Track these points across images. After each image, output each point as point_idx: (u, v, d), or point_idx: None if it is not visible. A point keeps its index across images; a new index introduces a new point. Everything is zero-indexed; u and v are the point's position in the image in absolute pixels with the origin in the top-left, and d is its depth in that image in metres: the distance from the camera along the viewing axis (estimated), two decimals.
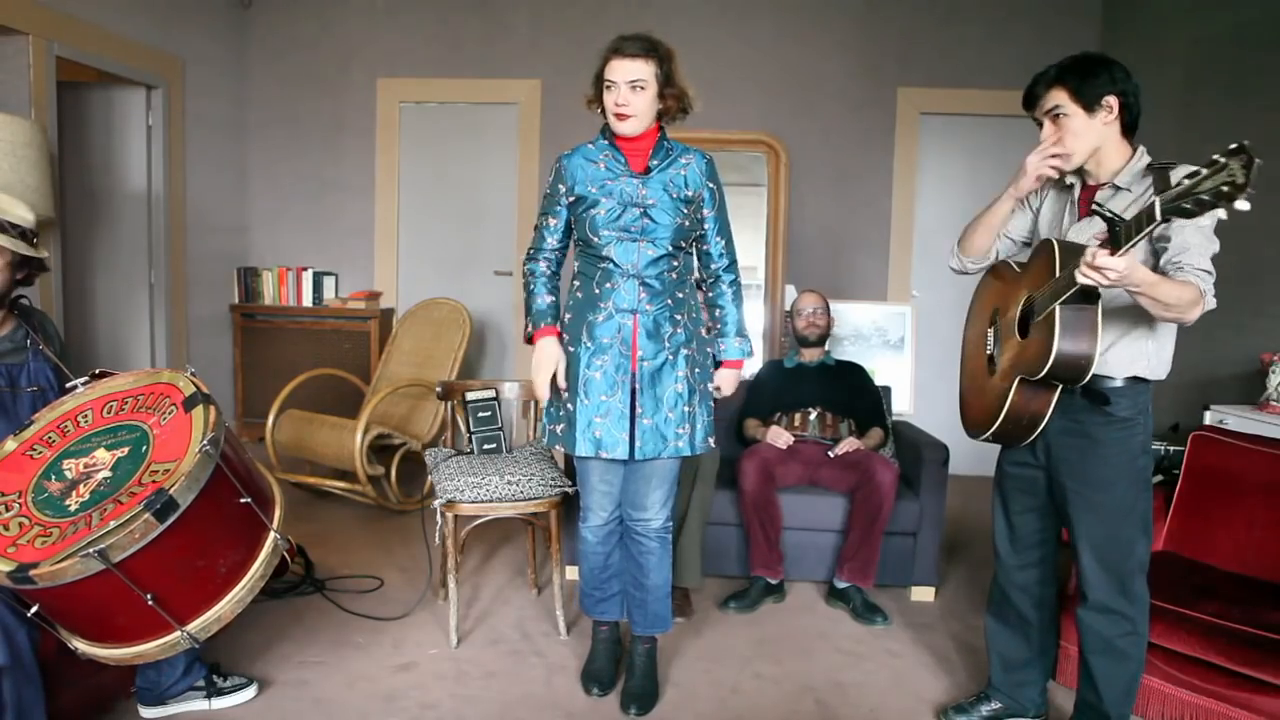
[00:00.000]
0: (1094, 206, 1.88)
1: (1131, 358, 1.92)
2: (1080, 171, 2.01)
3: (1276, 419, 3.11)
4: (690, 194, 2.23)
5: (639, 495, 2.30)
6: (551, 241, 2.30)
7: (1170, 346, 1.95)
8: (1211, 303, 1.79)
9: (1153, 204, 1.59)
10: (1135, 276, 1.69)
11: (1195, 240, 1.78)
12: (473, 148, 5.25)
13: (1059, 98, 1.94)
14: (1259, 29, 3.74)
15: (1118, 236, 1.68)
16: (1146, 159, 1.93)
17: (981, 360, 2.17)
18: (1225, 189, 1.48)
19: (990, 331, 2.15)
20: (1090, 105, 1.92)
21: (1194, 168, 1.79)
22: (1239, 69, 3.83)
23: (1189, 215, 1.55)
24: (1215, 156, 1.50)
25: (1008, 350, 2.03)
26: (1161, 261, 1.81)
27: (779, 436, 3.21)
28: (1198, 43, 4.06)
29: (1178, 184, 1.56)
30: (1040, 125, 2.01)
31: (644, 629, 2.41)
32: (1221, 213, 1.52)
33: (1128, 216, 1.84)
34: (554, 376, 2.24)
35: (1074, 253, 1.81)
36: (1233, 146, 1.49)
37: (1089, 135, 1.94)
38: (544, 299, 2.30)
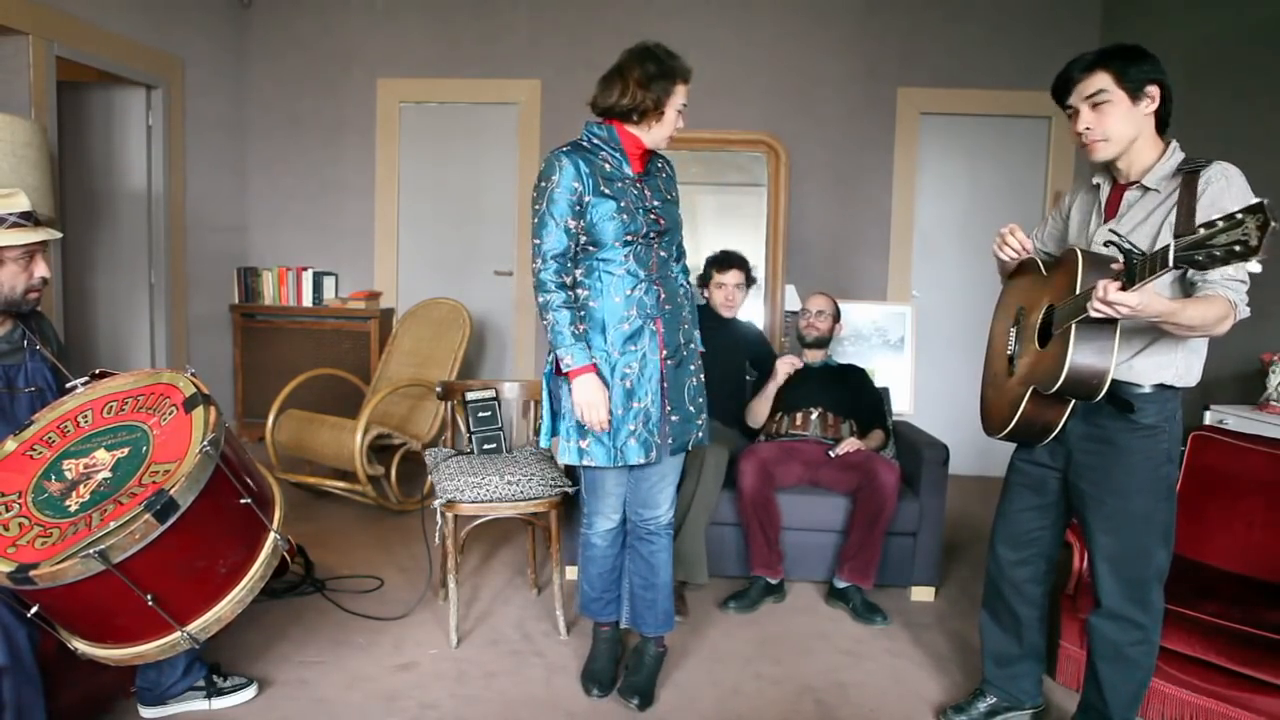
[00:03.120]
0: (1111, 236, 1.79)
1: (1159, 365, 1.88)
2: (1110, 170, 1.96)
3: (1276, 419, 3.11)
4: (672, 196, 2.33)
5: (653, 493, 2.34)
6: (570, 248, 2.15)
7: (1202, 353, 1.91)
8: (1245, 312, 1.74)
9: (1167, 248, 1.54)
10: (1152, 309, 1.65)
11: None
12: (473, 148, 5.24)
13: (1103, 81, 1.83)
14: (1259, 29, 3.74)
15: (1133, 271, 1.62)
16: (1179, 156, 1.87)
17: (1003, 359, 2.13)
18: (1238, 249, 1.42)
19: (1013, 331, 2.11)
20: (1135, 91, 1.82)
21: (1219, 169, 1.76)
22: (1239, 69, 3.83)
23: (1202, 268, 1.49)
24: (1235, 211, 1.44)
25: (1026, 355, 2.00)
26: (1190, 273, 1.76)
27: (787, 364, 3.27)
28: (1198, 43, 4.07)
29: (1200, 226, 1.50)
30: (1071, 117, 1.91)
31: (654, 629, 2.42)
32: (1251, 268, 1.48)
33: (1154, 220, 1.81)
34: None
35: (1097, 266, 1.77)
36: (1253, 203, 1.42)
37: (1130, 124, 1.84)
38: (575, 329, 2.14)
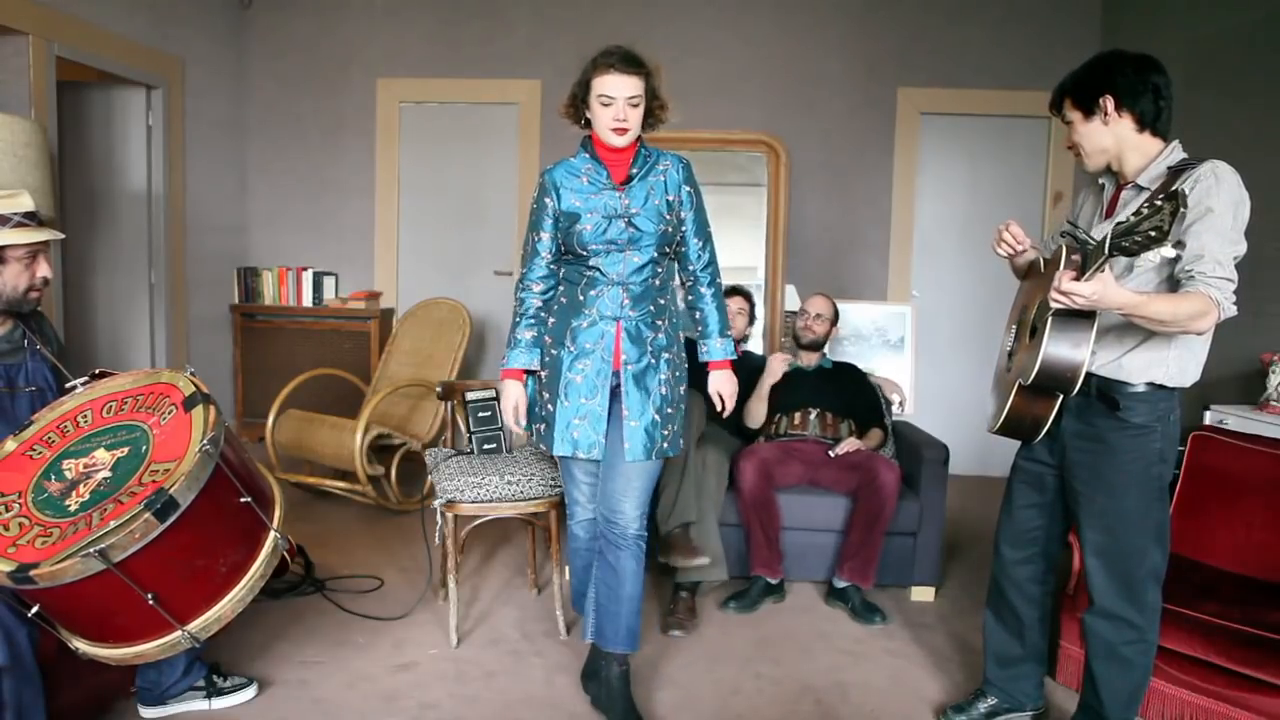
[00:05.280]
0: (1064, 227, 1.90)
1: (1149, 363, 1.88)
2: (1115, 172, 2.00)
3: (1276, 419, 3.11)
4: (670, 198, 2.27)
5: (615, 495, 2.26)
6: (545, 257, 2.29)
7: (1200, 353, 1.90)
8: (1231, 310, 1.75)
9: (1106, 236, 1.59)
10: (1111, 299, 1.67)
11: (1212, 245, 1.73)
12: (473, 148, 5.24)
13: (1066, 106, 1.98)
14: (1258, 29, 3.74)
15: (1086, 260, 1.67)
16: (1178, 155, 1.89)
17: (1005, 355, 2.16)
18: (1153, 234, 1.50)
19: (1014, 328, 2.14)
20: (1087, 109, 1.93)
21: (1209, 167, 1.79)
22: (1239, 69, 3.83)
23: (1129, 253, 1.56)
24: (1157, 199, 1.52)
25: (1020, 349, 2.03)
26: (1175, 269, 1.78)
27: (778, 362, 3.27)
28: (1197, 43, 4.07)
29: (1132, 215, 1.56)
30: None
31: (614, 644, 2.28)
32: (1164, 252, 1.53)
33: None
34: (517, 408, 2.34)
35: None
36: (1171, 191, 1.50)
37: (1093, 138, 1.95)
38: (524, 335, 2.31)
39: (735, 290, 3.72)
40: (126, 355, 4.56)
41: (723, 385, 2.38)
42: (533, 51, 5.09)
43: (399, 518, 3.98)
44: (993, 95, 4.93)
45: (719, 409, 2.42)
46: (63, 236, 2.28)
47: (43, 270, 2.13)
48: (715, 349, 2.36)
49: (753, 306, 3.74)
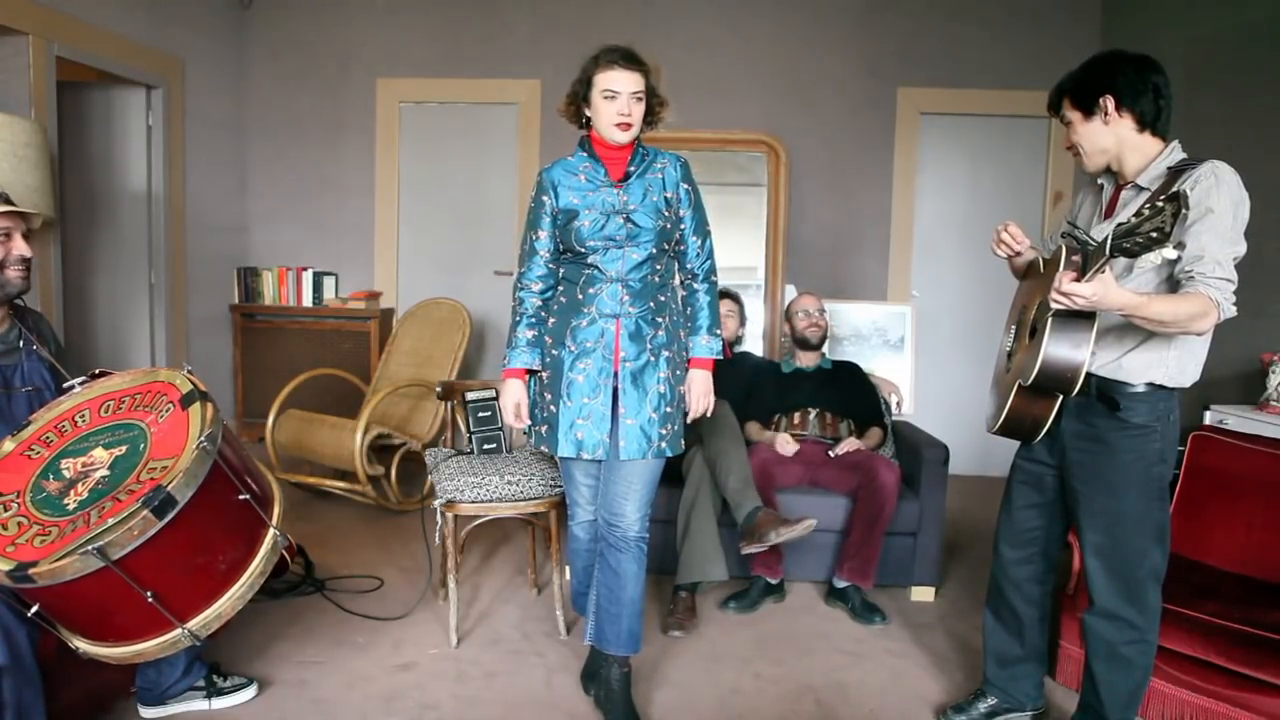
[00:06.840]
0: (1064, 228, 1.90)
1: (1149, 364, 1.88)
2: (1114, 172, 2.00)
3: (1276, 419, 3.11)
4: (669, 195, 2.27)
5: (615, 497, 2.25)
6: (544, 256, 2.28)
7: (1200, 353, 1.90)
8: (1231, 311, 1.75)
9: (1107, 237, 1.58)
10: (1111, 300, 1.68)
11: (1212, 246, 1.73)
12: (473, 148, 5.24)
13: (1065, 106, 1.98)
14: (1258, 29, 3.74)
15: (1086, 261, 1.67)
16: (1177, 156, 1.89)
17: (1004, 355, 2.16)
18: (1155, 235, 1.50)
19: (1013, 328, 2.14)
20: (1087, 109, 1.93)
21: (1209, 167, 1.79)
22: (1239, 69, 3.83)
23: (1131, 255, 1.56)
24: (1158, 200, 1.52)
25: (1020, 350, 2.03)
26: (1175, 270, 1.78)
27: (786, 445, 3.18)
28: (1198, 43, 4.07)
29: (1133, 215, 1.56)
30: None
31: (616, 647, 2.29)
32: (1166, 254, 1.53)
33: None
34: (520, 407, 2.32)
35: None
36: (1172, 192, 1.50)
37: (1093, 138, 1.94)
38: (524, 335, 2.30)
39: (723, 294, 3.71)
40: (126, 355, 4.56)
41: (695, 383, 2.32)
42: (532, 51, 5.09)
43: (399, 518, 3.98)
44: (993, 95, 4.92)
45: (687, 409, 2.34)
46: (38, 214, 2.21)
47: (20, 248, 2.08)
48: (700, 345, 2.33)
49: (742, 309, 3.74)
